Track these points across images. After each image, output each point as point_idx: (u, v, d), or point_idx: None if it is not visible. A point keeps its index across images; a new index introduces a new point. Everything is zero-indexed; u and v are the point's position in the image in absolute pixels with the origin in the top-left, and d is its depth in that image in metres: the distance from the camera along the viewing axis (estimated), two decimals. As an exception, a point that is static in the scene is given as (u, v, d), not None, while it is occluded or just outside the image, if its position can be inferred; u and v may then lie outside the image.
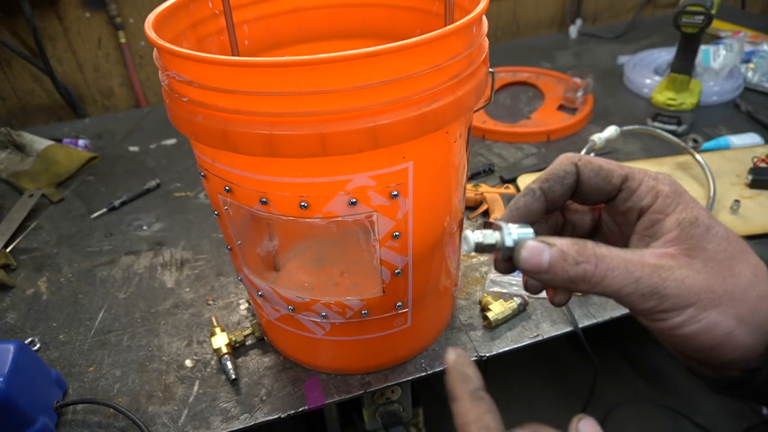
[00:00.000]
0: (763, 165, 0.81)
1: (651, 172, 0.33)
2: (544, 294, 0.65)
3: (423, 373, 0.58)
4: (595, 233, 0.39)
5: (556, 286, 0.32)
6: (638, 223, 0.33)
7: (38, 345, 0.64)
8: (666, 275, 0.29)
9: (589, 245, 0.29)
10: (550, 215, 0.38)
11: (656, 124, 0.96)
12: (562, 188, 0.35)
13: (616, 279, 0.29)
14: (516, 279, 0.68)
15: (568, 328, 0.62)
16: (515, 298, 0.64)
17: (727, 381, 0.32)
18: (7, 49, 1.08)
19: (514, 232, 0.32)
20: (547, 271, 0.29)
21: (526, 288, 0.36)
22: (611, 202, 0.35)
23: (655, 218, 0.32)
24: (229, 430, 0.54)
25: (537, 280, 0.31)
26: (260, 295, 0.53)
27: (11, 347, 0.51)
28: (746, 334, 0.29)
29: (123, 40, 1.17)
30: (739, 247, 0.31)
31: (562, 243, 0.29)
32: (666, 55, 1.18)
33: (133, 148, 1.04)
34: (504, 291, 0.67)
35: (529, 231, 0.32)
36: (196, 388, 0.58)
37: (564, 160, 0.35)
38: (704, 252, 0.30)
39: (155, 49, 0.40)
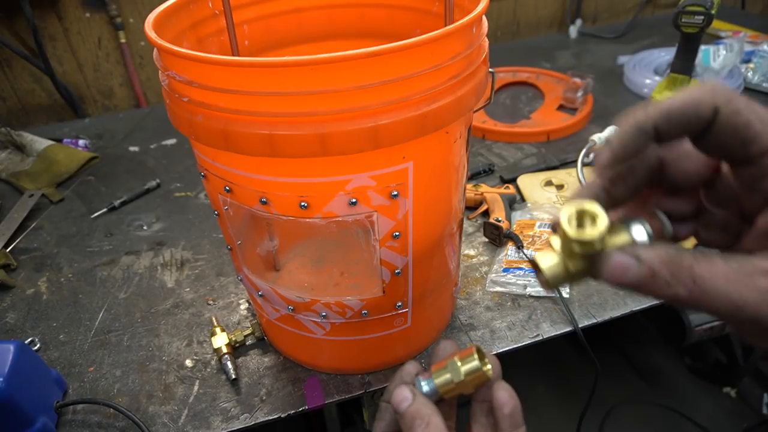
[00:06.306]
0: (763, 165, 0.81)
1: None
2: (545, 293, 0.66)
3: (423, 373, 0.58)
4: (696, 214, 0.30)
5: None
6: (759, 218, 0.26)
7: (38, 345, 0.64)
8: None
9: (685, 263, 0.23)
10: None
11: (656, 124, 0.96)
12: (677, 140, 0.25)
13: (712, 304, 0.23)
14: (516, 278, 0.68)
15: (568, 328, 0.62)
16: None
17: None
18: (7, 49, 1.08)
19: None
20: (634, 288, 0.24)
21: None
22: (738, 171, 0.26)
23: None
24: (229, 430, 0.54)
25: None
26: (260, 295, 0.53)
27: (11, 347, 0.51)
28: None
29: (123, 40, 1.17)
30: None
31: (653, 259, 0.24)
32: (666, 55, 1.18)
33: (133, 148, 1.04)
34: (505, 291, 0.67)
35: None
36: (196, 388, 0.58)
37: (699, 95, 0.25)
38: None
39: (155, 49, 0.40)
